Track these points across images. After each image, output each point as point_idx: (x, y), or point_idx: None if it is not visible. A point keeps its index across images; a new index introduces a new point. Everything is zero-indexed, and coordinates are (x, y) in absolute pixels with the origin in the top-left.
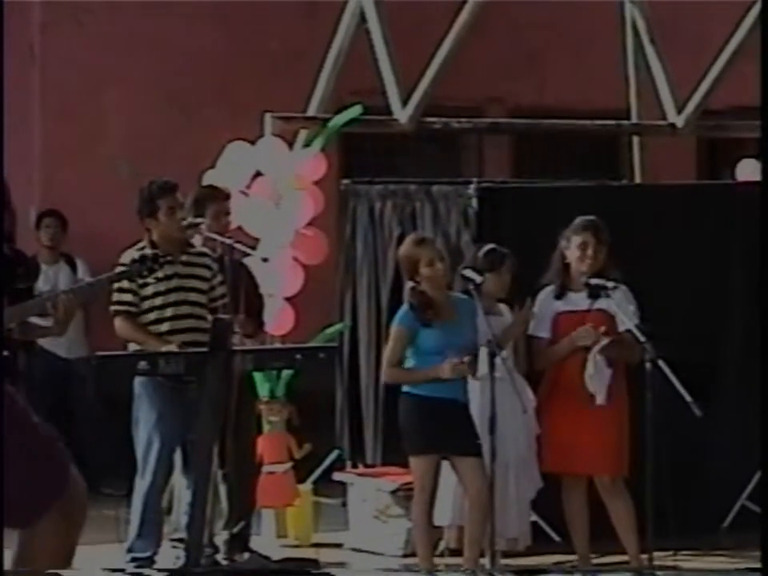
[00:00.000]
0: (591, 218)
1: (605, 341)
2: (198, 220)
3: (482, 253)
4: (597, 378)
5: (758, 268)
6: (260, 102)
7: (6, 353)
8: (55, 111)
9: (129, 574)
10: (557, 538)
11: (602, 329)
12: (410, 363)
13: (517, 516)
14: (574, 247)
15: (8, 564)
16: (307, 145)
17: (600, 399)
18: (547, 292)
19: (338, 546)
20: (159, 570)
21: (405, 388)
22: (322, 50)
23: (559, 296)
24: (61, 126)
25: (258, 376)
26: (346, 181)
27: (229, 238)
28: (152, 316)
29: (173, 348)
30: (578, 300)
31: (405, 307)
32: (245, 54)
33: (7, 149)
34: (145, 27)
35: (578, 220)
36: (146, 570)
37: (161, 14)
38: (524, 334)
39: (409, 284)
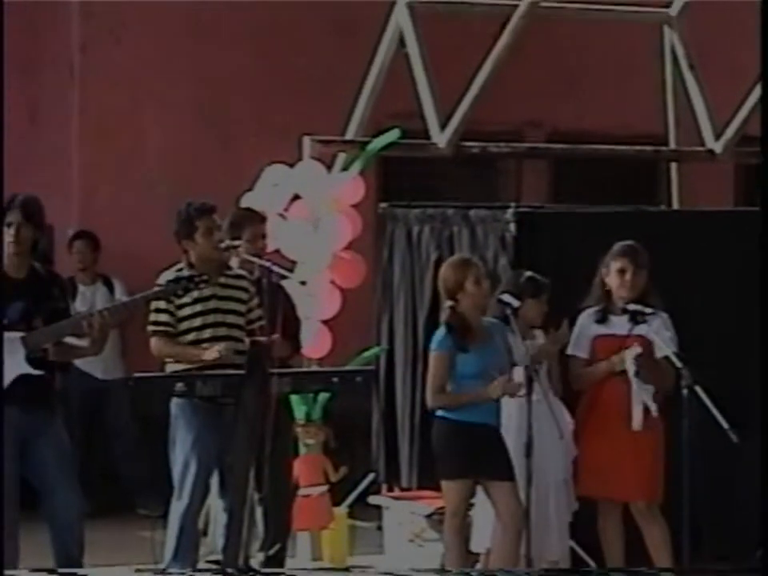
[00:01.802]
0: (629, 243)
1: (638, 349)
2: (236, 243)
3: (524, 278)
4: (637, 396)
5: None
6: (297, 123)
7: (42, 373)
8: (94, 131)
9: None
10: (592, 564)
11: (635, 345)
12: (447, 388)
13: (558, 538)
14: (613, 273)
15: None
16: (345, 168)
17: (636, 425)
18: (589, 314)
19: (373, 569)
20: None
21: (439, 412)
22: (360, 73)
23: (600, 320)
24: (99, 145)
25: (294, 399)
26: (383, 204)
27: (266, 260)
28: (190, 337)
29: (215, 352)
30: (619, 324)
31: (442, 331)
32: (283, 76)
33: (46, 168)
34: (183, 48)
35: (616, 246)
36: None
37: (199, 35)
38: (560, 355)
39: (448, 303)
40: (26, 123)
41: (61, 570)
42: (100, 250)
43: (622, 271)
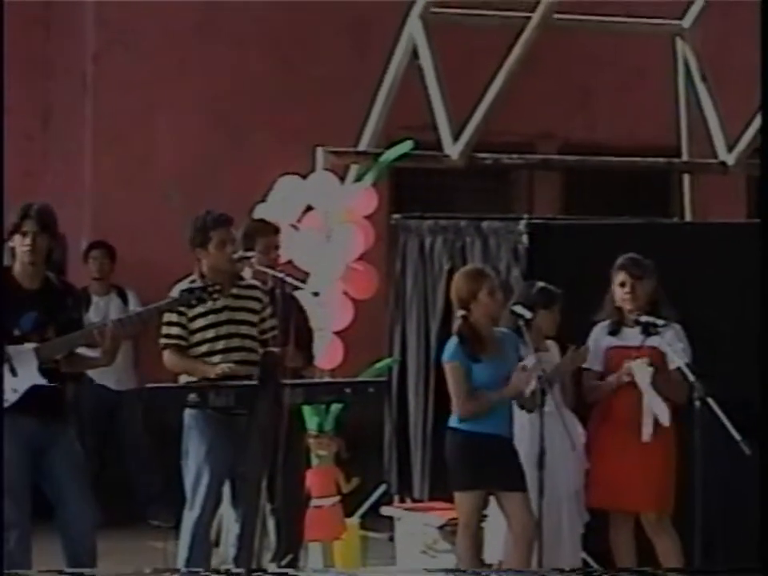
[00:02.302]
0: (629, 255)
1: (645, 360)
2: (249, 254)
3: (536, 289)
4: (648, 407)
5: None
6: (311, 131)
7: (55, 384)
8: (106, 138)
9: None
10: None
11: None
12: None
13: (570, 550)
14: (616, 287)
15: None
16: (358, 179)
17: (645, 436)
18: (602, 327)
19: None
20: None
21: (452, 423)
22: (373, 80)
23: (613, 332)
24: (112, 153)
25: (306, 410)
26: (396, 215)
27: (279, 271)
28: (203, 348)
29: (225, 368)
30: (631, 336)
31: (454, 341)
32: (296, 83)
33: (58, 176)
34: (196, 55)
35: (618, 259)
36: None
37: (212, 42)
38: (574, 370)
39: (460, 313)
40: (38, 130)
41: (69, 570)
42: (116, 260)
43: (622, 284)
